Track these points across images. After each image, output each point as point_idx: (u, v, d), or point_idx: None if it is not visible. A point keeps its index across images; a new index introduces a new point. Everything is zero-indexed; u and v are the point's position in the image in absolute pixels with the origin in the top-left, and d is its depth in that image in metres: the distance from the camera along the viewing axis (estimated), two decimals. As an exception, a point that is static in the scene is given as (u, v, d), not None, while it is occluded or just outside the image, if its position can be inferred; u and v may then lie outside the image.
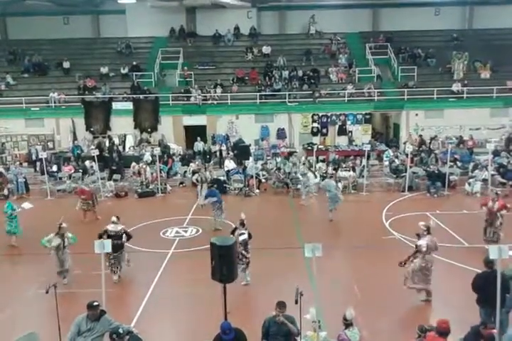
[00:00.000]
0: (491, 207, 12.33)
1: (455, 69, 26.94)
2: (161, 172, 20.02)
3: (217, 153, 23.92)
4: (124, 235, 11.32)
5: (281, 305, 7.16)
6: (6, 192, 18.83)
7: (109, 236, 10.89)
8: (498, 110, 24.86)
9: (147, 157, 21.93)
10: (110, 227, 11.28)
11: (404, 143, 23.66)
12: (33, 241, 12.37)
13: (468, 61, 27.24)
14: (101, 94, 25.92)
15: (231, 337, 6.80)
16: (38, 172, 22.11)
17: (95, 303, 6.99)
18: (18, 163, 22.32)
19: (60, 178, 20.92)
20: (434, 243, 10.00)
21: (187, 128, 25.52)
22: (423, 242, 9.85)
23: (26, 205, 14.76)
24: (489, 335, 6.85)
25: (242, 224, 11.01)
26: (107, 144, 23.77)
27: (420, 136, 24.14)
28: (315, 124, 25.38)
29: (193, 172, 19.33)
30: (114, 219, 11.52)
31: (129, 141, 24.97)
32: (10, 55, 29.35)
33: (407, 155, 19.81)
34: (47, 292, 7.91)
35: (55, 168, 21.55)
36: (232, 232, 10.93)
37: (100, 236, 10.90)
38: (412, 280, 9.94)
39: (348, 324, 7.09)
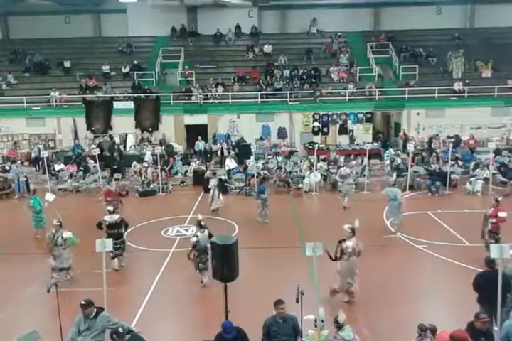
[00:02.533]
0: (487, 212, 11.85)
1: (453, 69, 26.91)
2: (162, 171, 19.99)
3: (218, 152, 23.92)
4: (122, 224, 11.70)
5: (279, 303, 7.14)
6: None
7: (108, 227, 11.40)
8: (499, 109, 24.85)
9: (148, 156, 21.93)
10: (107, 218, 11.59)
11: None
12: (33, 241, 12.39)
13: (468, 60, 27.22)
14: (102, 93, 25.93)
15: (233, 336, 6.81)
16: (39, 172, 22.14)
17: (83, 302, 6.98)
18: (19, 162, 22.34)
19: (61, 177, 20.91)
20: (359, 247, 9.75)
21: (188, 127, 25.53)
22: (350, 243, 9.71)
23: (49, 197, 14.63)
24: (483, 326, 6.84)
25: (199, 225, 10.81)
26: (109, 144, 23.77)
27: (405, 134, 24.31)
28: (316, 123, 25.37)
29: (207, 178, 19.16)
30: (110, 208, 11.94)
31: (130, 141, 24.99)
32: (11, 55, 29.38)
33: (408, 154, 19.79)
34: (48, 291, 7.94)
35: (57, 166, 21.55)
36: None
37: (99, 226, 11.41)
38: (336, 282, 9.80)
39: (339, 326, 7.19)
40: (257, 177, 18.13)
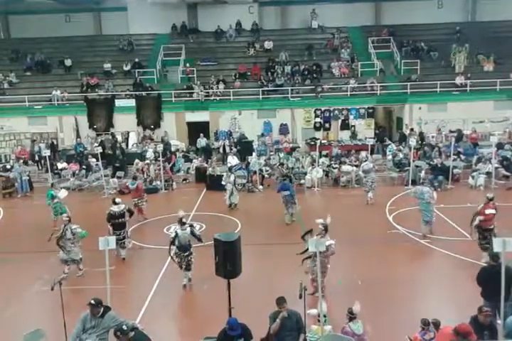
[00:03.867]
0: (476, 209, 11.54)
1: (456, 63, 26.82)
2: (163, 168, 19.99)
3: (221, 149, 23.90)
4: (126, 213, 12.22)
5: (281, 301, 7.16)
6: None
7: (112, 217, 11.90)
8: (501, 103, 24.73)
9: (150, 154, 21.95)
10: (114, 208, 12.11)
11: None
12: (37, 239, 12.43)
13: (470, 54, 27.12)
14: (104, 91, 25.94)
15: (238, 333, 6.82)
16: (41, 170, 22.18)
17: (92, 301, 7.00)
18: (21, 161, 22.34)
19: (63, 176, 20.93)
20: (330, 242, 9.67)
21: (190, 124, 25.52)
22: (323, 240, 9.45)
23: (62, 194, 14.95)
24: (486, 320, 6.84)
25: (181, 222, 10.69)
26: (111, 142, 23.78)
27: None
28: (317, 119, 25.31)
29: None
30: (118, 200, 12.35)
31: (132, 138, 25.01)
32: (12, 54, 29.37)
33: (410, 148, 19.75)
34: (52, 289, 7.97)
35: (59, 165, 21.56)
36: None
37: (109, 220, 11.94)
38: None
39: (352, 317, 7.17)
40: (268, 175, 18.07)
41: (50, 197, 14.67)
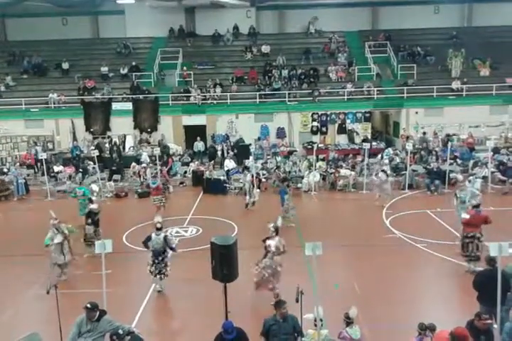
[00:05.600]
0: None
1: (452, 67, 26.93)
2: (160, 172, 19.96)
3: (219, 153, 23.88)
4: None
5: (281, 303, 7.16)
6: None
7: (91, 215, 12.69)
8: (497, 107, 24.83)
9: (144, 157, 21.93)
10: (93, 206, 12.99)
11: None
12: (32, 242, 12.38)
13: (467, 58, 27.26)
14: (101, 95, 25.91)
15: (233, 337, 6.81)
16: (38, 173, 22.10)
17: (89, 305, 6.97)
18: (18, 164, 22.30)
19: (60, 179, 20.89)
20: (282, 245, 10.02)
21: (187, 128, 25.52)
22: (272, 242, 9.95)
23: (94, 187, 16.00)
24: (484, 326, 6.82)
25: (156, 227, 10.61)
26: (107, 145, 23.75)
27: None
28: (315, 123, 25.37)
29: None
30: (93, 197, 13.36)
31: (129, 142, 24.97)
32: (9, 56, 29.39)
33: (407, 153, 19.79)
34: (48, 292, 7.93)
35: (56, 168, 21.52)
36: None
37: (88, 218, 12.63)
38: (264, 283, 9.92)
39: (349, 322, 7.14)
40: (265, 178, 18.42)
41: (88, 193, 15.33)
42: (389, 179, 17.23)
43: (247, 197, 16.80)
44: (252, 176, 19.43)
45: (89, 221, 12.72)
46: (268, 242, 10.05)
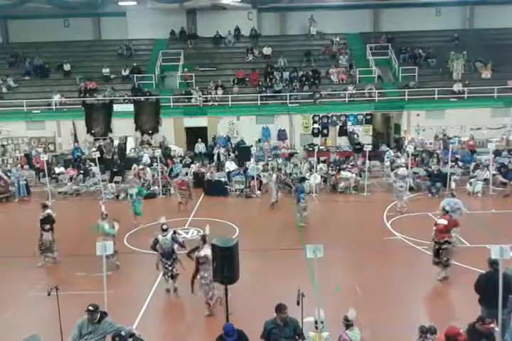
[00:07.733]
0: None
1: (454, 70, 26.93)
2: (161, 173, 19.97)
3: (215, 157, 23.79)
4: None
5: (283, 308, 7.10)
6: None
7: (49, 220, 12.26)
8: (499, 110, 24.81)
9: (146, 159, 21.93)
10: (48, 211, 12.42)
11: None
12: (34, 244, 12.37)
13: (468, 61, 27.24)
14: (103, 97, 25.93)
15: (234, 339, 6.81)
16: (38, 175, 22.08)
17: (91, 308, 6.97)
18: (19, 165, 22.31)
19: (61, 180, 20.88)
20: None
21: (188, 129, 25.53)
22: (202, 253, 9.32)
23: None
24: (486, 331, 6.80)
25: (161, 228, 10.58)
26: (112, 147, 23.74)
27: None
28: (316, 125, 25.36)
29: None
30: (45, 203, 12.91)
31: (130, 143, 24.99)
32: (11, 58, 29.41)
33: (408, 155, 19.78)
34: (49, 294, 7.92)
35: (57, 170, 21.51)
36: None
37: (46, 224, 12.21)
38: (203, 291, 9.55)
39: (349, 324, 7.11)
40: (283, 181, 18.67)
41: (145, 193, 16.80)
42: (407, 178, 17.20)
43: (273, 195, 17.14)
44: (253, 178, 19.52)
45: (48, 227, 12.18)
46: (199, 253, 9.40)
